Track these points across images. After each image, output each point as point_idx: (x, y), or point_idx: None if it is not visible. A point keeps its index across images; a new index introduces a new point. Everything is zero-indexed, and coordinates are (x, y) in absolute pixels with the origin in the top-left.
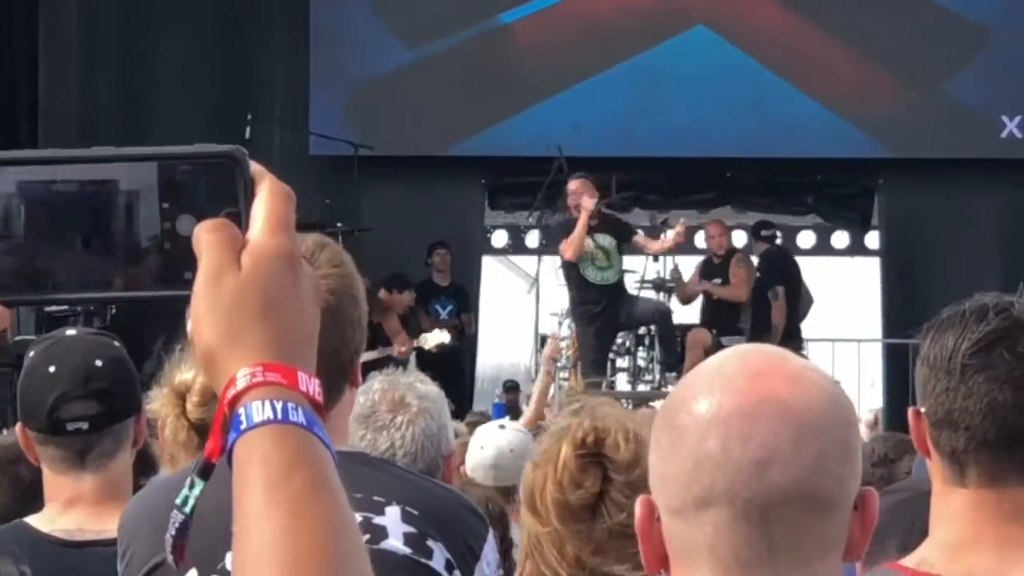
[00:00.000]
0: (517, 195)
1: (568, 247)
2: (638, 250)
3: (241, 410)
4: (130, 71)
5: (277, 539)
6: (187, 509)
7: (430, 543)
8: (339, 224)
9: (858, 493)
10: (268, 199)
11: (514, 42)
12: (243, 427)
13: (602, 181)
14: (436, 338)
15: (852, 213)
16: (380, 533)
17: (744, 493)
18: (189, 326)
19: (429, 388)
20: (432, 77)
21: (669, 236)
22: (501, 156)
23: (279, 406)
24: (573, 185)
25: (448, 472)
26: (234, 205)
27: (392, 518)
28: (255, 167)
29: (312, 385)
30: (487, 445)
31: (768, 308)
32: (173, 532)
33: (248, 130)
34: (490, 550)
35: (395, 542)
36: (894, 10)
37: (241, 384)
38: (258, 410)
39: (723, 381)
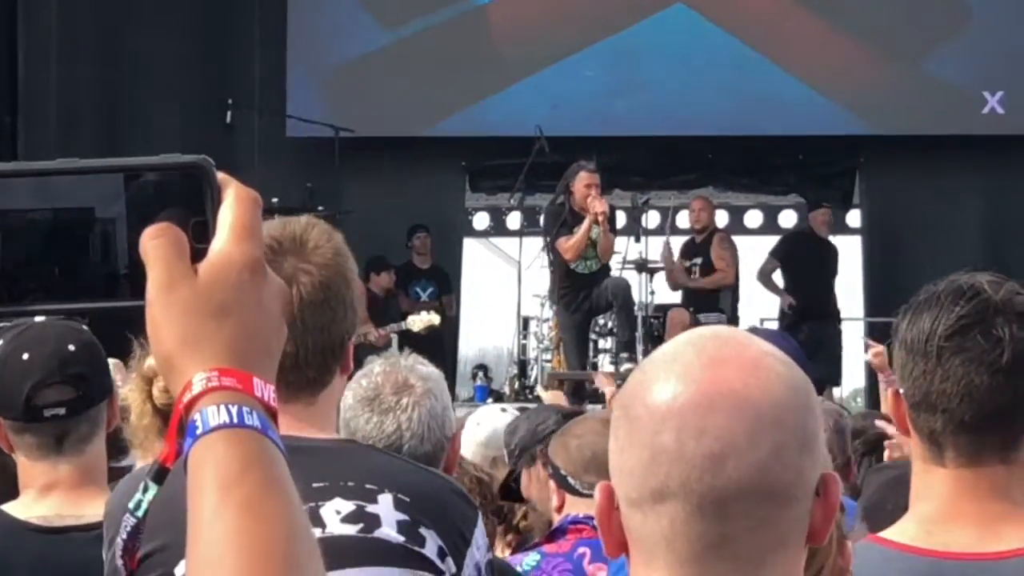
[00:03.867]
0: (498, 177)
1: (569, 249)
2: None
3: (197, 415)
4: (109, 60)
5: (230, 539)
6: (139, 513)
7: (423, 531)
8: (320, 207)
9: (819, 478)
10: (234, 206)
11: (492, 21)
12: (198, 432)
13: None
14: (424, 320)
15: (834, 191)
16: (374, 521)
17: (699, 488)
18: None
19: (430, 370)
20: (410, 58)
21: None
22: (481, 136)
23: (234, 410)
24: (586, 179)
25: (453, 452)
26: (201, 214)
27: (385, 506)
28: (221, 175)
29: (267, 391)
30: (484, 424)
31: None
32: (124, 536)
33: (229, 115)
34: (480, 534)
35: (389, 530)
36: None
37: (197, 389)
38: (213, 414)
39: (678, 370)
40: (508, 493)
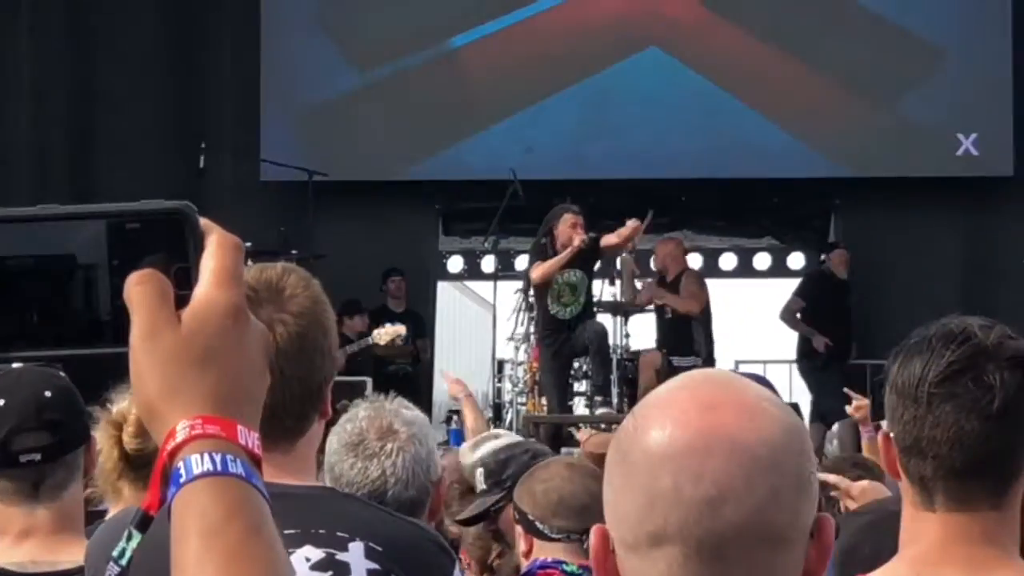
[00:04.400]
0: (472, 220)
1: (537, 270)
2: (607, 253)
3: (180, 463)
4: (82, 99)
5: None
6: (123, 561)
7: None
8: (293, 251)
9: (814, 520)
10: (215, 252)
11: (466, 65)
12: (182, 480)
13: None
14: (389, 332)
15: (809, 234)
16: (343, 570)
17: (697, 532)
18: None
19: (415, 414)
20: (384, 101)
21: (628, 224)
22: (455, 180)
23: (218, 458)
24: (570, 219)
25: (437, 497)
26: (184, 261)
27: (356, 555)
28: (204, 221)
29: (251, 439)
30: (482, 448)
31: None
32: None
33: (202, 159)
34: None
35: None
36: (848, 30)
37: (180, 437)
38: (197, 462)
39: (675, 414)
40: (481, 517)
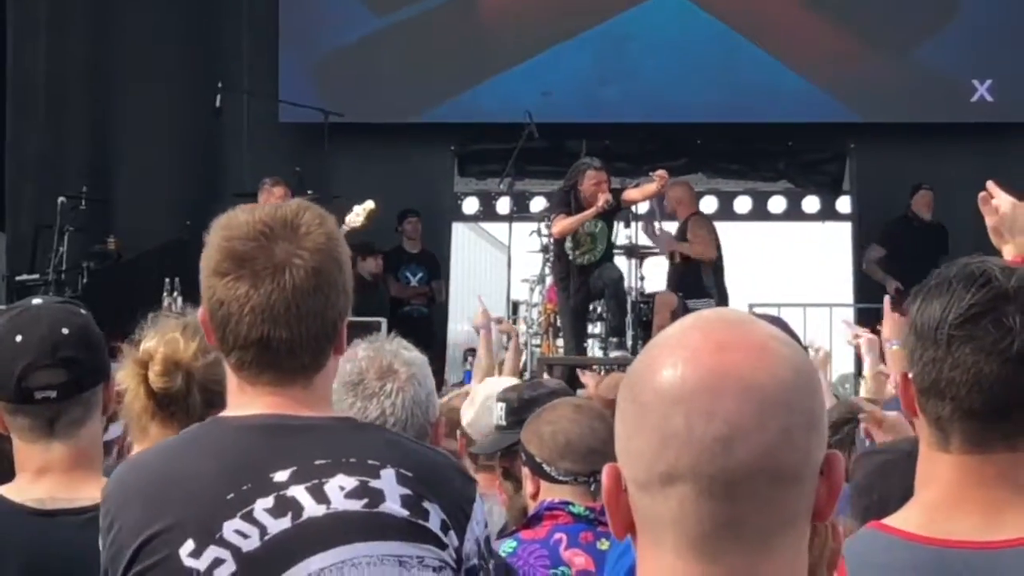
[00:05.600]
0: (487, 162)
1: (558, 225)
2: (627, 204)
3: None
4: (99, 40)
5: None
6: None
7: (426, 504)
8: (309, 191)
9: (823, 458)
10: None
11: (483, 8)
12: None
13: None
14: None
15: (823, 178)
16: (378, 496)
17: (709, 470)
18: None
19: (414, 355)
20: (401, 44)
21: (655, 176)
22: (470, 123)
23: None
24: (593, 176)
25: (436, 439)
26: None
27: (388, 481)
28: None
29: None
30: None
31: None
32: None
33: (219, 99)
34: (479, 510)
35: (393, 505)
36: None
37: None
38: None
39: (686, 354)
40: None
